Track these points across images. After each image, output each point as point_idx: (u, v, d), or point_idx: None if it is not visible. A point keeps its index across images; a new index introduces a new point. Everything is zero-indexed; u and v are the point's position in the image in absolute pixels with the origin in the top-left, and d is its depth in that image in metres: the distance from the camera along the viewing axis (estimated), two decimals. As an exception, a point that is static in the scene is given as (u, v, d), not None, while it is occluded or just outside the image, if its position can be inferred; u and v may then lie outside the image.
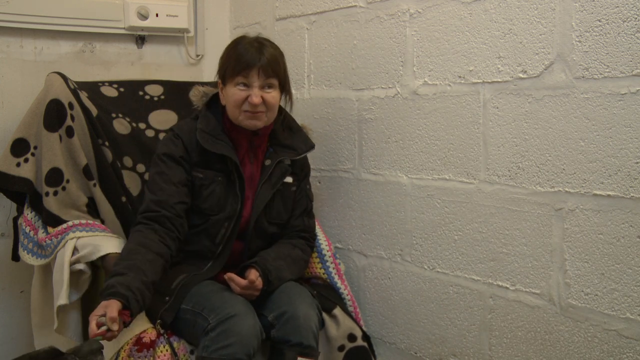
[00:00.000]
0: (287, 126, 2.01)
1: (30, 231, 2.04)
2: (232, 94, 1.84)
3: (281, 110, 1.98)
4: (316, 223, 2.15)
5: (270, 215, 1.94)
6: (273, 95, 1.86)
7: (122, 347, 1.69)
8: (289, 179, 1.97)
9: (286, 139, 1.98)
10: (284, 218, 1.98)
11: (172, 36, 2.57)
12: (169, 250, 1.76)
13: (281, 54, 1.91)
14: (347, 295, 2.10)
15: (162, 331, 1.73)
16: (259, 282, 1.77)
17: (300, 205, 2.02)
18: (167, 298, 1.78)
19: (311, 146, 2.01)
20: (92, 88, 2.24)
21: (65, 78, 2.10)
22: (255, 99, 1.81)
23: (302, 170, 2.03)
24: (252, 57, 1.82)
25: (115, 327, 1.47)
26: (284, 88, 1.92)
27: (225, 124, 1.92)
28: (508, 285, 1.78)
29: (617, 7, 1.48)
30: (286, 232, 2.01)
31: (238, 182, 1.88)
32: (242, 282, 1.75)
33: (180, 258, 1.90)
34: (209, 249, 1.89)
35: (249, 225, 1.90)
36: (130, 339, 1.69)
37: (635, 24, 1.46)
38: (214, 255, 1.89)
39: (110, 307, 1.50)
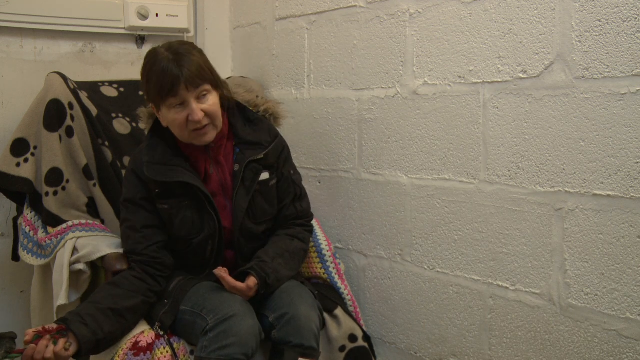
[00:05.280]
0: (246, 119, 1.90)
1: (30, 231, 2.04)
2: (172, 119, 1.73)
3: (232, 103, 1.88)
4: (316, 223, 2.15)
5: (255, 217, 1.87)
6: (211, 102, 1.74)
7: (116, 353, 1.66)
8: (264, 176, 1.87)
9: (249, 134, 1.87)
10: (271, 214, 1.92)
11: (172, 36, 2.57)
12: (146, 283, 1.76)
13: (201, 54, 1.76)
14: (348, 295, 2.10)
15: (161, 333, 1.73)
16: (255, 289, 1.75)
17: (288, 194, 1.94)
18: (165, 300, 1.78)
19: (275, 134, 1.91)
20: (92, 88, 2.24)
21: (65, 78, 2.10)
22: (196, 116, 1.70)
23: (278, 158, 1.92)
24: (174, 74, 1.67)
25: (25, 339, 1.51)
26: (218, 85, 1.79)
27: (177, 141, 1.82)
28: (508, 285, 1.78)
29: (617, 7, 1.48)
30: (281, 223, 1.95)
31: (206, 200, 1.79)
32: (238, 285, 1.73)
33: (178, 265, 1.88)
34: (201, 264, 1.87)
35: (235, 234, 1.85)
36: (125, 345, 1.67)
37: (635, 24, 1.46)
38: (208, 266, 1.86)
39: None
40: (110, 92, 2.28)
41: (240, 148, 1.86)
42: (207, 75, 1.74)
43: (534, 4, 1.64)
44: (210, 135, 1.77)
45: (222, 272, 1.72)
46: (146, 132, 1.90)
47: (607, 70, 1.51)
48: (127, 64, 2.51)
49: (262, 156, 1.86)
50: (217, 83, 1.79)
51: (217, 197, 1.83)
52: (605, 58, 1.51)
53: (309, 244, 2.03)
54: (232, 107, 1.89)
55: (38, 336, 1.52)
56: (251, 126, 1.90)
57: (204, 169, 1.83)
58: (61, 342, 1.53)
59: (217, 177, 1.85)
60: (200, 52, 1.78)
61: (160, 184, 1.78)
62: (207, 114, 1.73)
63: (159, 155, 1.79)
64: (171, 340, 1.73)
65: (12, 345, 1.51)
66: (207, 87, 1.74)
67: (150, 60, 1.73)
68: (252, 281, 1.74)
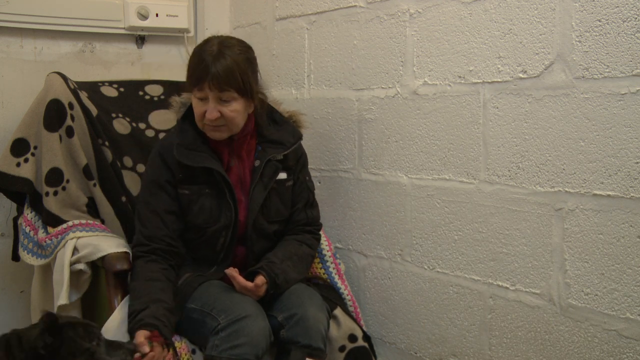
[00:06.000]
0: (272, 120, 1.95)
1: (30, 231, 2.04)
2: (194, 105, 1.79)
3: (263, 104, 1.90)
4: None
5: (268, 215, 1.91)
6: (232, 108, 1.75)
7: None
8: (282, 175, 1.92)
9: (273, 133, 1.92)
10: (284, 215, 1.95)
11: (172, 36, 2.57)
12: (173, 273, 1.81)
13: (240, 61, 1.75)
14: (348, 295, 2.11)
15: (165, 331, 1.73)
16: (263, 289, 1.77)
17: (301, 198, 1.98)
18: None
19: (299, 137, 1.96)
20: (92, 88, 2.24)
21: (65, 78, 2.10)
22: (210, 114, 1.74)
23: (297, 162, 1.97)
24: (204, 70, 1.71)
25: (145, 349, 1.52)
26: (248, 94, 1.78)
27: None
28: (508, 285, 1.78)
29: (617, 7, 1.48)
30: (290, 228, 1.98)
31: (227, 190, 1.83)
32: (248, 284, 1.75)
33: (186, 262, 1.89)
34: (210, 257, 1.89)
35: (247, 229, 1.88)
36: None
37: (635, 24, 1.46)
38: (217, 261, 1.88)
39: (137, 336, 1.56)
40: (110, 92, 2.28)
41: (262, 146, 1.90)
42: (234, 82, 1.74)
43: (534, 4, 1.64)
44: (222, 135, 1.81)
45: (233, 272, 1.75)
46: (176, 119, 1.95)
47: (607, 70, 1.51)
48: (127, 64, 2.51)
49: (281, 157, 1.90)
50: (247, 91, 1.78)
51: (235, 190, 1.85)
52: (605, 58, 1.51)
53: (316, 251, 2.06)
54: (263, 109, 1.92)
55: (150, 343, 1.55)
56: (276, 127, 1.94)
57: (226, 161, 1.87)
58: (171, 349, 1.59)
59: (237, 171, 1.88)
60: (244, 58, 1.78)
61: (184, 169, 1.81)
62: (223, 115, 1.76)
63: (189, 139, 1.84)
64: (173, 338, 1.73)
65: (127, 357, 1.48)
66: (233, 94, 1.75)
67: (200, 45, 1.79)
68: (260, 279, 1.76)
